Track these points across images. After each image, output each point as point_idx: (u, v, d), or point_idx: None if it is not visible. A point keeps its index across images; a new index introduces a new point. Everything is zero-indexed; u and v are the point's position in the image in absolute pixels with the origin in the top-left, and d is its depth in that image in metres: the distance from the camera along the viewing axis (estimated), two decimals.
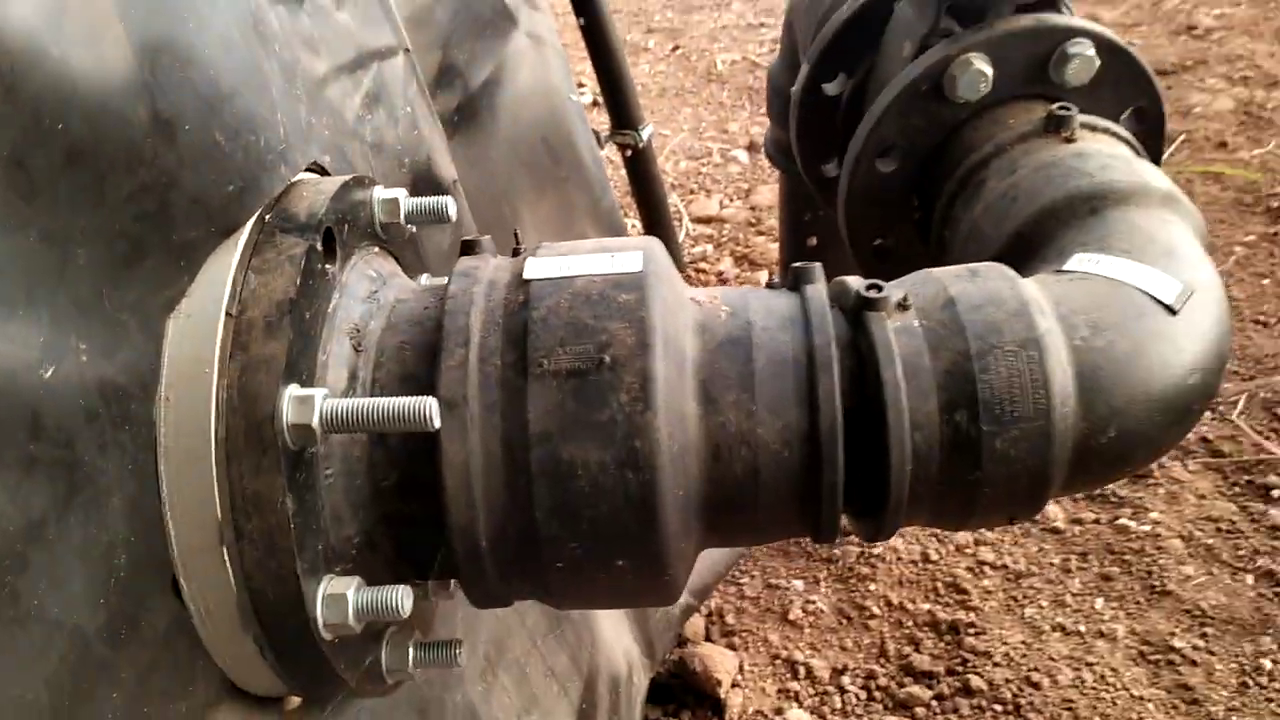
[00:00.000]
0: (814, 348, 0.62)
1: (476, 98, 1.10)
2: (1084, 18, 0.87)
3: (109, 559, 0.50)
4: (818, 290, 0.65)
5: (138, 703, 0.51)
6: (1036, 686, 1.27)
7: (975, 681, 1.28)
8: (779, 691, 1.31)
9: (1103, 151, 0.79)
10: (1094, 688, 1.27)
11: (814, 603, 1.40)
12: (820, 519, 0.63)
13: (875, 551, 1.45)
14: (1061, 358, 0.63)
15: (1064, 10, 0.87)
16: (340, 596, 0.57)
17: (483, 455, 0.59)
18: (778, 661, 1.34)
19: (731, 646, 1.35)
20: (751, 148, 2.52)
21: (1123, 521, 1.47)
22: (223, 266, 0.57)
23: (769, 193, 2.31)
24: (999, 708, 1.26)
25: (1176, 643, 1.31)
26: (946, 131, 0.86)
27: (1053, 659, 1.30)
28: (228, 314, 0.56)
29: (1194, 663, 1.29)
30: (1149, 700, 1.26)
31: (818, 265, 0.67)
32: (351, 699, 0.69)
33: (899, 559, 1.44)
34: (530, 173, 1.17)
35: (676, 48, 3.09)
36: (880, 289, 0.63)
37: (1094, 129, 0.82)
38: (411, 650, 0.66)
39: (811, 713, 1.28)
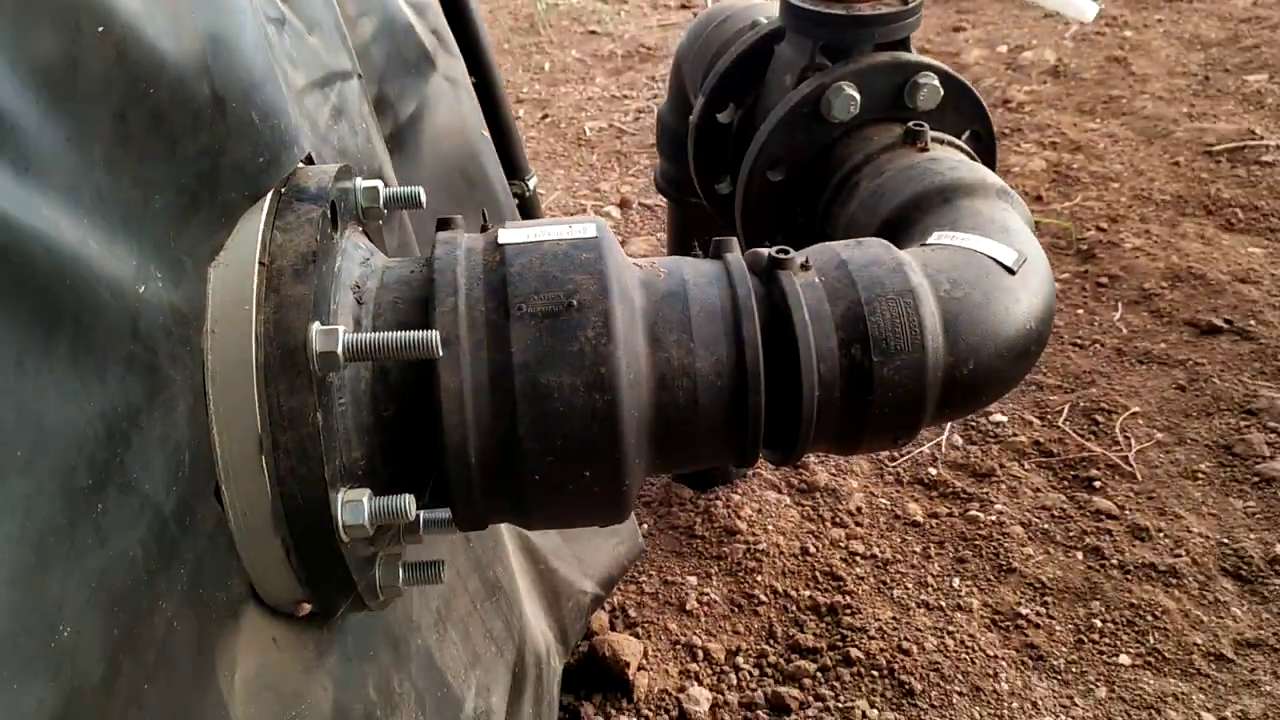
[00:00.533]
0: (737, 297, 0.76)
1: (404, 128, 1.21)
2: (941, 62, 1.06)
3: (177, 455, 0.59)
4: (736, 256, 0.79)
5: (195, 582, 0.60)
6: (907, 654, 1.42)
7: (854, 653, 1.42)
8: (680, 672, 1.42)
9: (951, 157, 0.96)
10: (955, 651, 1.43)
11: (708, 594, 1.52)
12: (745, 439, 0.76)
13: (760, 548, 1.58)
14: (931, 305, 0.78)
15: (912, 50, 1.05)
16: (357, 502, 0.67)
17: (473, 383, 0.70)
18: (678, 646, 1.45)
19: (635, 635, 1.46)
20: (623, 204, 2.68)
21: (973, 513, 1.65)
22: (253, 225, 0.67)
23: (642, 244, 2.48)
24: (875, 673, 1.40)
25: (1022, 610, 1.49)
26: (824, 147, 1.02)
27: (919, 630, 1.45)
28: (261, 263, 0.66)
29: (1037, 626, 1.47)
30: (1002, 659, 1.42)
31: (733, 238, 0.81)
32: (340, 627, 0.78)
33: (781, 554, 1.58)
34: (450, 197, 1.28)
35: (546, 116, 3.25)
36: (788, 253, 0.78)
37: (942, 142, 1.00)
38: (401, 569, 0.76)
39: (711, 689, 1.40)
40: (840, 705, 1.35)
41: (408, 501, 0.68)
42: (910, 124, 0.98)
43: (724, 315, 0.75)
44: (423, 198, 0.81)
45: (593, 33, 4.02)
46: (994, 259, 0.83)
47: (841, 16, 0.99)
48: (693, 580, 1.54)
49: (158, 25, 0.57)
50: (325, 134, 0.90)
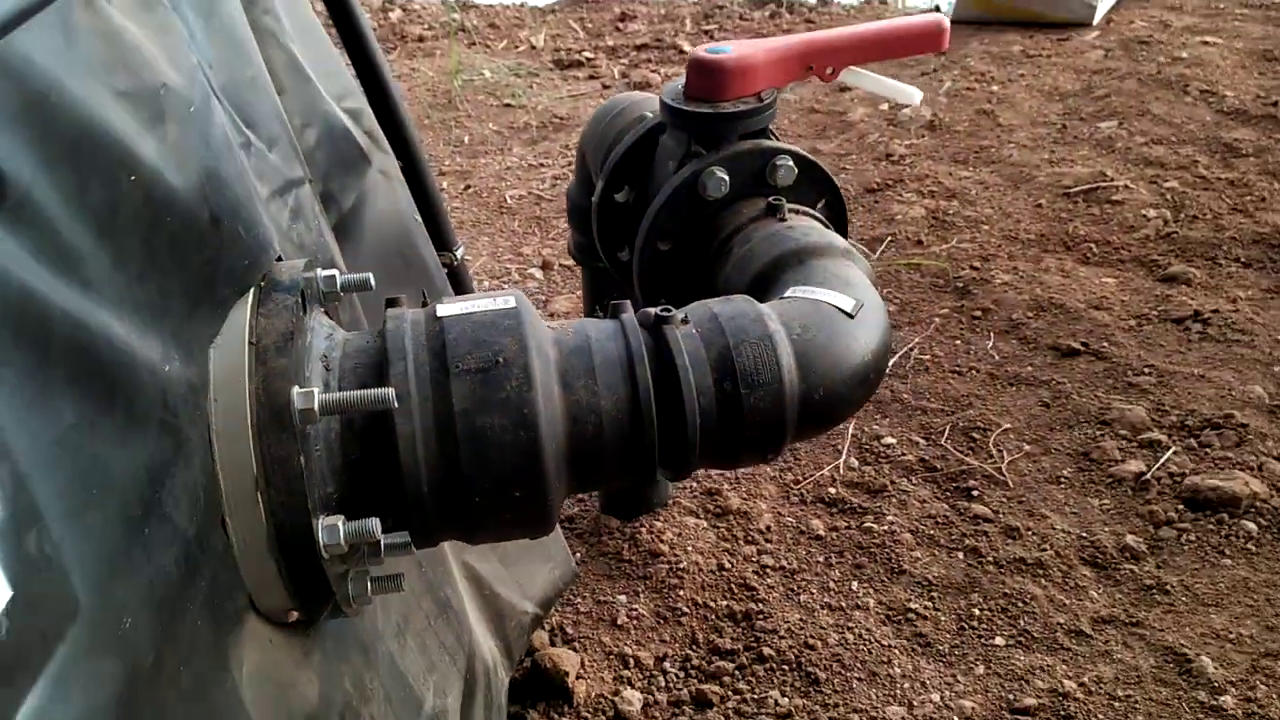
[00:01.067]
0: (630, 348, 0.93)
1: (348, 219, 1.38)
2: (796, 146, 1.26)
3: (195, 494, 0.75)
4: (629, 315, 0.97)
5: (211, 593, 0.75)
6: (813, 649, 1.60)
7: (766, 651, 1.59)
8: (614, 678, 1.58)
9: (804, 225, 1.16)
10: (854, 644, 1.61)
11: (636, 610, 1.69)
12: (644, 461, 0.94)
13: (681, 566, 1.75)
14: (786, 346, 0.96)
15: (773, 138, 1.25)
16: (334, 526, 0.83)
17: (423, 429, 0.86)
18: (611, 656, 1.61)
19: (573, 649, 1.62)
20: (545, 266, 2.86)
21: (868, 525, 1.84)
22: (242, 313, 0.83)
23: (564, 302, 2.66)
24: (785, 668, 1.57)
25: (912, 605, 1.67)
26: (702, 219, 1.21)
27: (823, 628, 1.63)
28: (250, 343, 0.82)
29: (925, 618, 1.66)
30: (895, 647, 1.60)
31: (627, 301, 0.99)
32: (321, 632, 0.94)
33: (700, 570, 1.75)
34: (390, 276, 1.45)
35: (468, 186, 3.43)
36: (670, 311, 0.96)
37: (798, 213, 1.19)
38: (369, 583, 0.92)
39: (642, 692, 1.56)
40: (755, 696, 1.52)
41: (375, 524, 0.84)
42: (770, 199, 1.17)
43: (621, 363, 0.93)
44: (371, 282, 0.98)
45: (507, 105, 4.23)
46: (837, 307, 1.02)
47: (710, 114, 1.19)
48: (622, 598, 1.71)
49: (170, 169, 0.74)
50: (287, 233, 1.06)
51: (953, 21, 4.38)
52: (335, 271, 0.96)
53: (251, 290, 0.86)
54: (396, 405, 0.84)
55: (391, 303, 0.97)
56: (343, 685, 0.94)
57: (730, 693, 1.53)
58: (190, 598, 0.72)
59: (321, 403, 0.82)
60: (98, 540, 0.62)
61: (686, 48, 4.65)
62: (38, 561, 0.55)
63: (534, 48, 4.94)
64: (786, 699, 1.51)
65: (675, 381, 0.93)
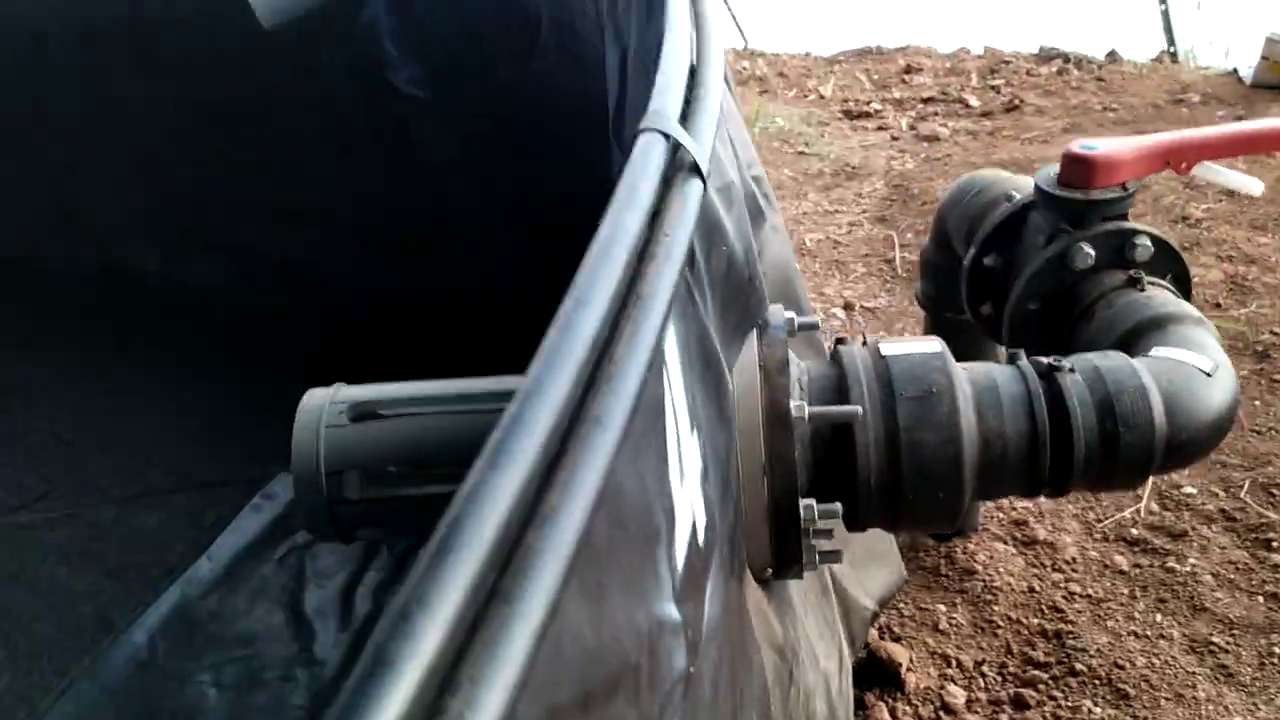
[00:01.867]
0: (1030, 390, 1.19)
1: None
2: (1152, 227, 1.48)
3: (730, 472, 1.06)
4: (1025, 362, 1.23)
5: (734, 549, 1.06)
6: (1122, 669, 1.78)
7: (1078, 666, 1.79)
8: (939, 675, 1.82)
9: (1161, 295, 1.38)
10: (1160, 669, 1.77)
11: (955, 618, 1.92)
12: (1035, 480, 1.19)
13: (995, 585, 1.97)
14: (1156, 396, 1.19)
15: (1129, 220, 1.47)
16: (811, 505, 1.12)
17: (874, 439, 1.15)
18: (935, 656, 1.85)
19: (901, 647, 1.87)
20: (847, 307, 3.13)
21: (1170, 565, 2.00)
22: (751, 345, 1.15)
23: None
24: (1096, 682, 1.76)
25: (1214, 639, 1.82)
26: (1068, 286, 1.45)
27: (1130, 652, 1.81)
28: (760, 366, 1.14)
29: (1227, 651, 1.80)
30: (1199, 674, 1.76)
31: (1021, 350, 1.25)
32: (773, 589, 1.24)
33: (1012, 590, 1.96)
34: None
35: None
36: (1060, 361, 1.21)
37: (1154, 284, 1.41)
38: (817, 554, 1.21)
39: (964, 689, 1.79)
40: (1070, 704, 1.73)
41: (838, 507, 1.13)
42: (1131, 272, 1.40)
43: (1023, 400, 1.19)
44: (820, 323, 1.28)
45: (801, 153, 4.53)
46: (1197, 367, 1.24)
47: (1080, 200, 1.43)
48: (942, 608, 1.94)
49: (732, 244, 1.06)
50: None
51: (1251, 86, 4.36)
52: (792, 313, 1.27)
53: (755, 328, 1.17)
54: (860, 415, 1.13)
55: (840, 341, 1.26)
56: (787, 628, 1.23)
57: (1046, 698, 1.74)
58: (735, 549, 1.03)
59: (809, 414, 1.12)
60: (718, 510, 0.93)
61: (973, 102, 4.82)
62: (709, 502, 0.87)
63: (823, 97, 5.23)
64: (1099, 709, 1.71)
65: (1065, 418, 1.17)
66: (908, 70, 5.48)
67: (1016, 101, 4.73)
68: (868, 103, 5.04)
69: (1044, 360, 1.21)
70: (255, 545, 2.19)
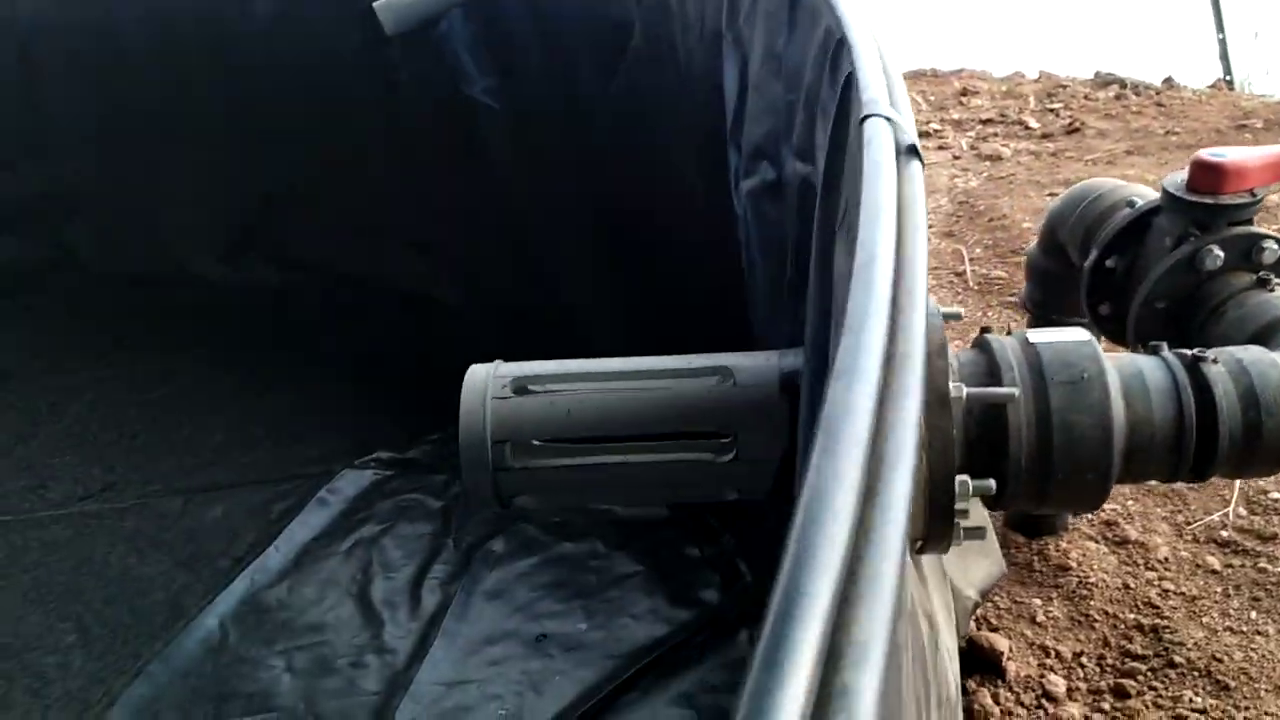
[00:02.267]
0: (1177, 379, 1.22)
1: None
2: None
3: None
4: (1169, 354, 1.26)
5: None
6: (1220, 661, 1.80)
7: (1176, 659, 1.80)
8: (1039, 664, 1.84)
9: None
10: (1259, 662, 1.79)
11: (1051, 611, 1.94)
12: (1179, 465, 1.22)
13: (1089, 581, 1.99)
14: None
15: (1255, 224, 1.51)
16: (965, 480, 1.16)
17: (1026, 420, 1.18)
18: (1034, 647, 1.88)
19: (1000, 637, 1.90)
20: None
21: (1262, 565, 2.01)
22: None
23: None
24: (1195, 674, 1.78)
25: None
26: (1194, 287, 1.49)
27: (1227, 646, 1.83)
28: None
29: None
30: None
31: (1164, 343, 1.28)
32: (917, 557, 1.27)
33: (1106, 586, 1.98)
34: None
35: None
36: (1204, 353, 1.24)
37: None
38: (962, 531, 1.25)
39: (1064, 679, 1.82)
40: (1170, 694, 1.75)
41: (991, 484, 1.17)
42: (1260, 274, 1.43)
43: (1169, 389, 1.22)
44: (962, 314, 1.31)
45: None
46: None
47: (1210, 204, 1.46)
48: (1037, 602, 1.97)
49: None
50: None
51: None
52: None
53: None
54: (1015, 396, 1.17)
55: (984, 330, 1.30)
56: (922, 596, 1.27)
57: (1146, 688, 1.77)
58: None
59: (967, 395, 1.16)
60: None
61: (1033, 124, 4.84)
62: None
63: None
64: (1200, 698, 1.73)
65: (1211, 406, 1.21)
66: (964, 93, 5.50)
67: (1077, 124, 4.74)
68: (926, 123, 5.07)
69: (1188, 352, 1.24)
70: (323, 538, 2.23)
